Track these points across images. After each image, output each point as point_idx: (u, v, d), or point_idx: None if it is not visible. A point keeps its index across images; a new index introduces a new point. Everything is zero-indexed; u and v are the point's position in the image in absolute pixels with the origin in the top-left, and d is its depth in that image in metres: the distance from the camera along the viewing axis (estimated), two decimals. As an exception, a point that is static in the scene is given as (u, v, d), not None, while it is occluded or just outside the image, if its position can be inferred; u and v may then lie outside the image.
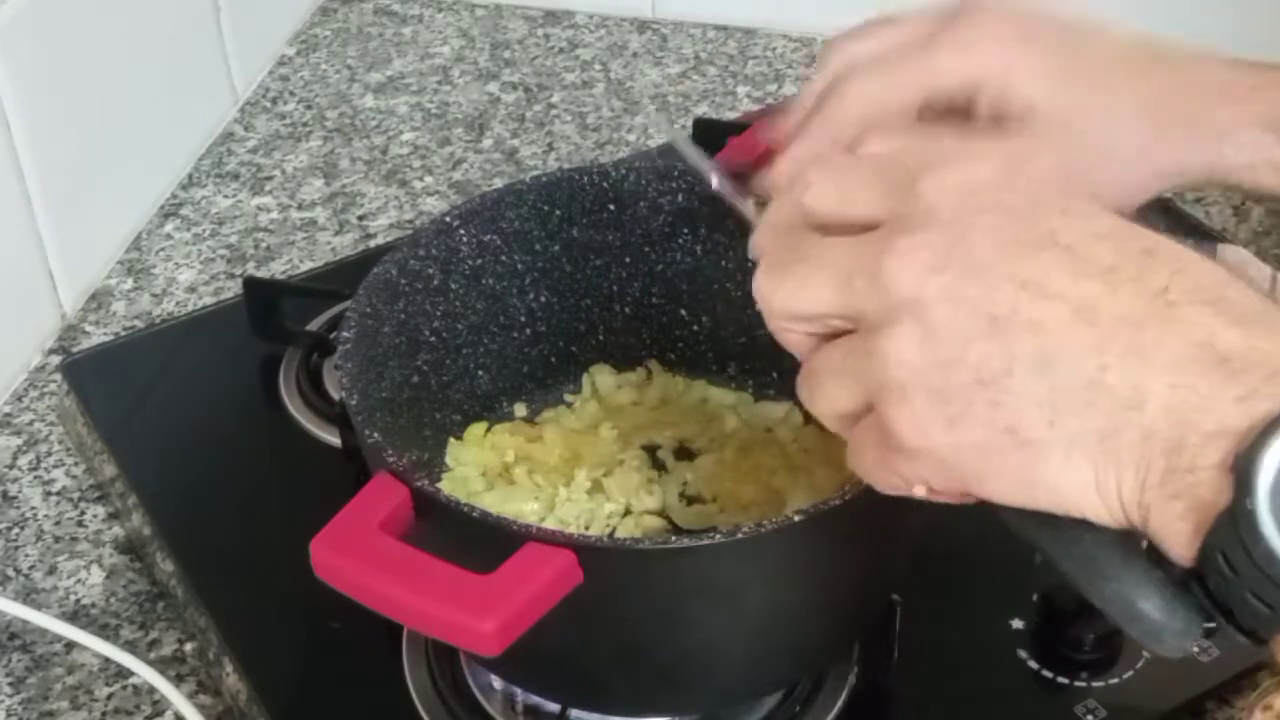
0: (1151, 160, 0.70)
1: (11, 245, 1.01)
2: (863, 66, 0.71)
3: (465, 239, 0.82)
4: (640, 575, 0.66)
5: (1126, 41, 0.70)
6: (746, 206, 0.72)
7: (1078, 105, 0.68)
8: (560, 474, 0.84)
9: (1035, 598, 0.80)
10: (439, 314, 0.82)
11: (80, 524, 0.93)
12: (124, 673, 0.84)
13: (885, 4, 0.75)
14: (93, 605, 0.88)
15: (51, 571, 0.90)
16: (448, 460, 0.84)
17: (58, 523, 0.93)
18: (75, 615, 0.87)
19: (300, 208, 1.17)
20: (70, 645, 0.85)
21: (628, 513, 0.83)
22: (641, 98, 1.26)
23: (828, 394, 0.52)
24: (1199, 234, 1.08)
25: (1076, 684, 0.78)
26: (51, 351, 1.05)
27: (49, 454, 0.98)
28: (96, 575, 0.90)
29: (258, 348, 1.00)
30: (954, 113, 0.70)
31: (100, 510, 0.94)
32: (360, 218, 1.15)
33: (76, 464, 0.97)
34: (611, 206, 0.84)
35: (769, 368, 0.87)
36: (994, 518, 0.51)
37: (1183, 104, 0.70)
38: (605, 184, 0.84)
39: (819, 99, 0.72)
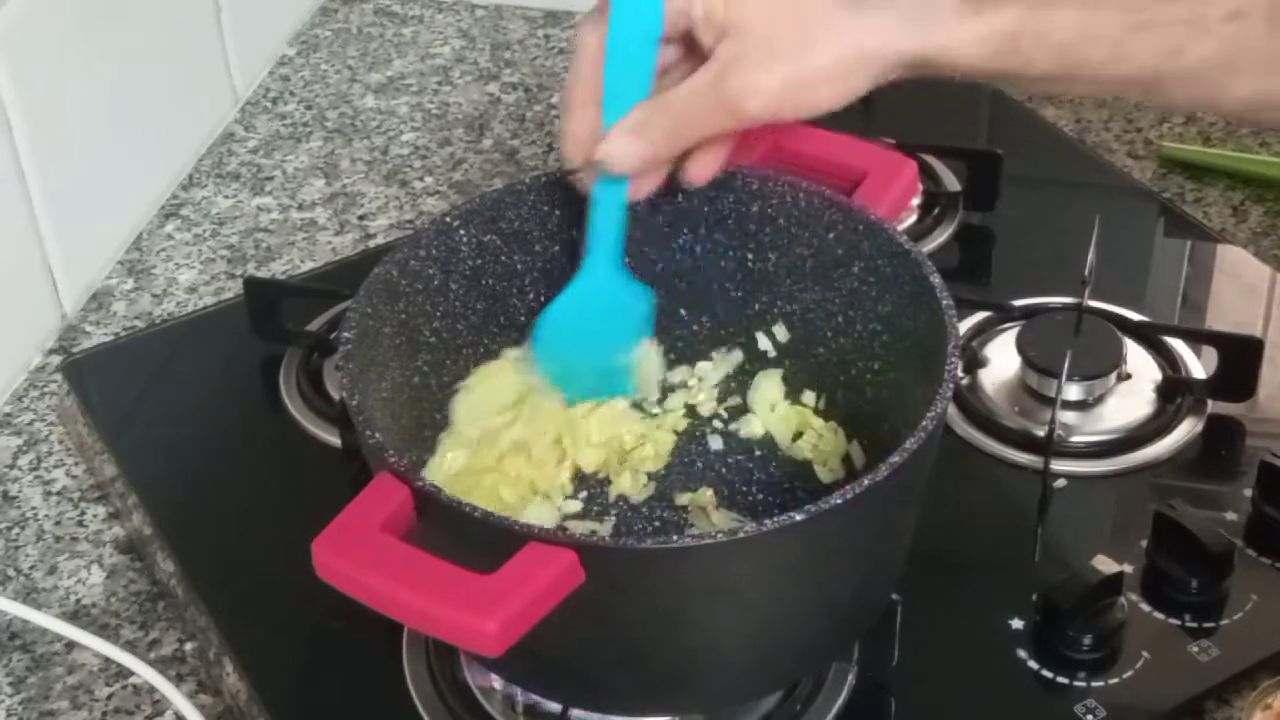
0: (859, 45, 0.71)
1: (12, 245, 1.01)
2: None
3: (465, 239, 0.82)
4: (642, 575, 0.66)
5: None
6: None
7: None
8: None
9: (1035, 598, 0.80)
10: (439, 314, 0.82)
11: (80, 524, 0.93)
12: (124, 672, 0.84)
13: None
14: (93, 605, 0.88)
15: (52, 571, 0.90)
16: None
17: (58, 523, 0.93)
18: (75, 615, 0.87)
19: (300, 208, 1.17)
20: (70, 645, 0.85)
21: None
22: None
23: None
24: (1199, 234, 1.08)
25: (1076, 684, 0.78)
26: (51, 351, 1.05)
27: (49, 454, 0.98)
28: (96, 575, 0.90)
29: (258, 348, 1.00)
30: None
31: (100, 510, 0.94)
32: (360, 218, 1.15)
33: (76, 464, 0.97)
34: (611, 206, 0.84)
35: (769, 368, 0.88)
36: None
37: None
38: (605, 184, 0.84)
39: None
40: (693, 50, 0.74)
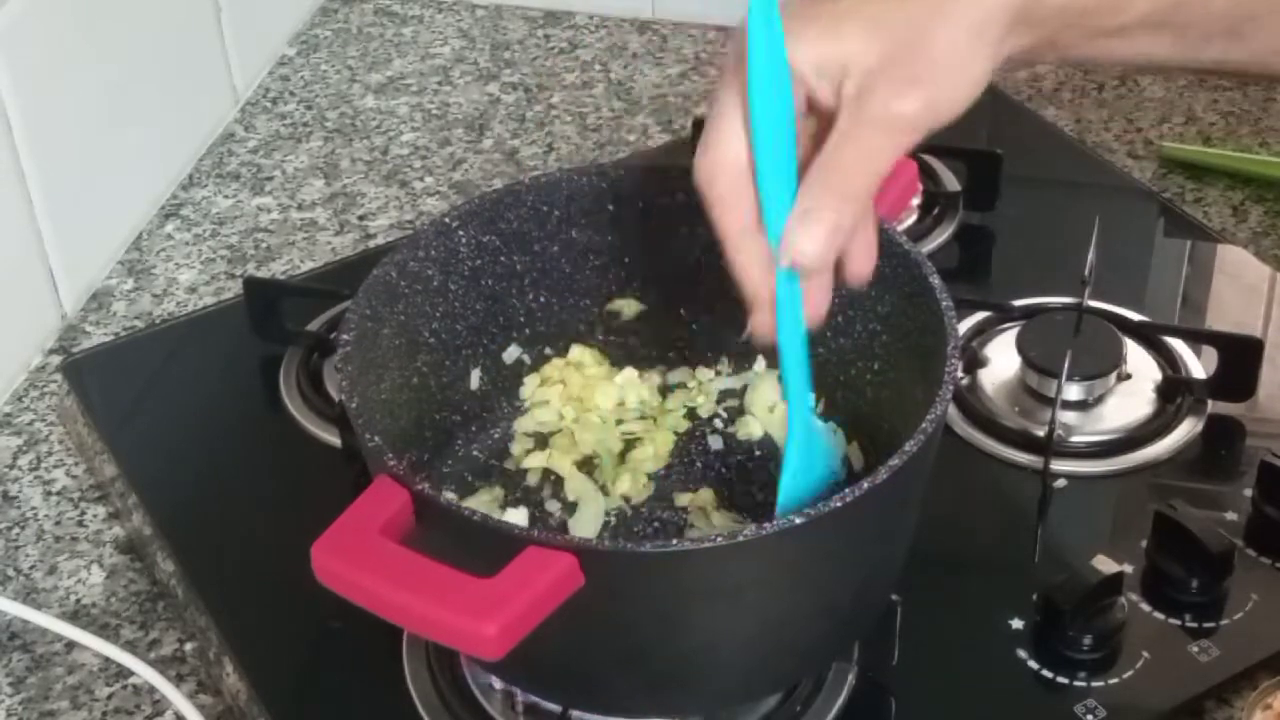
0: (965, 13, 0.66)
1: (12, 245, 1.01)
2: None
3: (465, 240, 0.82)
4: (641, 578, 0.66)
5: None
6: None
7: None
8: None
9: (1035, 598, 0.80)
10: (438, 315, 0.82)
11: (80, 524, 0.93)
12: (124, 673, 0.84)
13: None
14: (93, 605, 0.88)
15: (52, 571, 0.90)
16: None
17: (58, 523, 0.93)
18: (75, 615, 0.87)
19: (300, 208, 1.17)
20: (70, 645, 0.85)
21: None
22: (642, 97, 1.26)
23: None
24: (1199, 234, 1.08)
25: (1076, 684, 0.78)
26: (51, 351, 1.05)
27: (49, 454, 0.98)
28: (96, 575, 0.90)
29: (258, 348, 1.00)
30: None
31: (100, 510, 0.94)
32: (360, 218, 1.15)
33: (77, 464, 0.97)
34: (610, 207, 0.84)
35: (769, 368, 0.88)
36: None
37: None
38: (604, 184, 0.84)
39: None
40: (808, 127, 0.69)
